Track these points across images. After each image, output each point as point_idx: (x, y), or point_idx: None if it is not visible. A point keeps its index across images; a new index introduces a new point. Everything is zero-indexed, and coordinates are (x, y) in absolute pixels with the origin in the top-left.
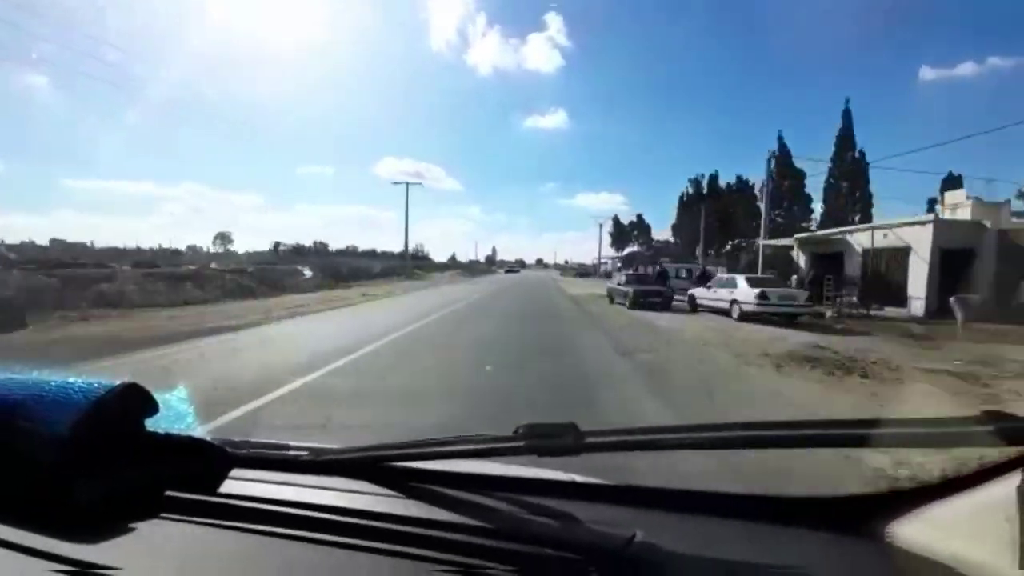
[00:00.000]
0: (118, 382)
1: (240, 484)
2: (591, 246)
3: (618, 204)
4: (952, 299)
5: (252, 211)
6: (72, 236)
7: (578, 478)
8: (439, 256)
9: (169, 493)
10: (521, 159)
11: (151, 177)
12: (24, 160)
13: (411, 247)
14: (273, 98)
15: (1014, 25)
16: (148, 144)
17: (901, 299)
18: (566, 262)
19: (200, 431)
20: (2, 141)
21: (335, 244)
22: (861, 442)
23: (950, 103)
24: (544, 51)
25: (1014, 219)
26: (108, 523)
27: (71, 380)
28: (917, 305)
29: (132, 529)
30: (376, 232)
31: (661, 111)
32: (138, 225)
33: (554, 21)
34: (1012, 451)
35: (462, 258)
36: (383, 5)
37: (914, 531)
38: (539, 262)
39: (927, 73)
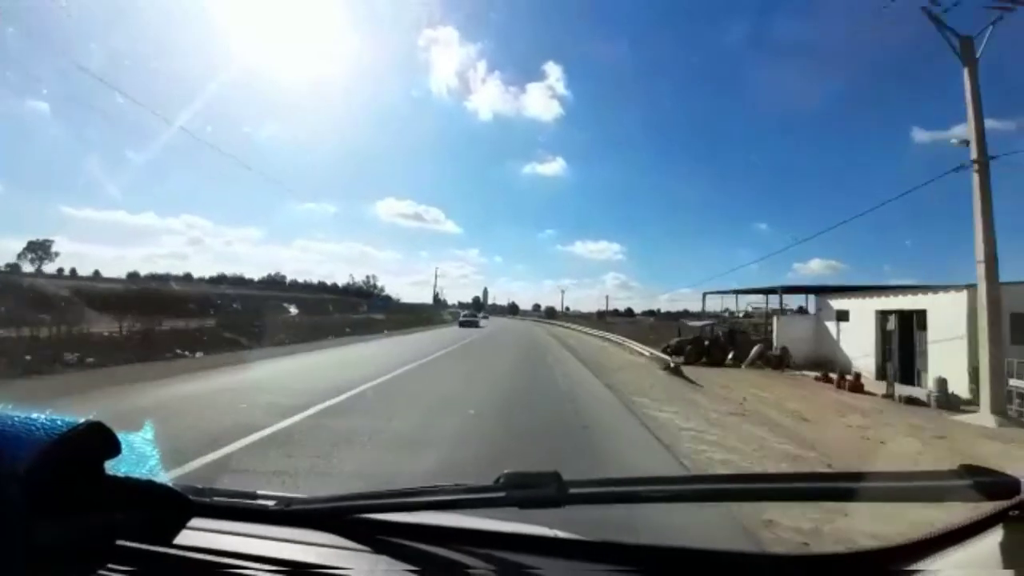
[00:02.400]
0: (82, 420)
1: (200, 535)
2: (586, 294)
3: (615, 253)
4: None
5: (250, 244)
6: (66, 264)
7: (560, 533)
8: (417, 297)
9: (120, 542)
10: (519, 205)
11: (151, 209)
12: (19, 185)
13: (360, 279)
14: (275, 137)
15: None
16: (148, 177)
17: None
18: (567, 309)
19: (163, 476)
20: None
21: (338, 280)
22: (845, 496)
23: (944, 166)
24: (543, 100)
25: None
26: (50, 572)
27: (34, 416)
28: None
29: None
30: (374, 270)
31: (658, 164)
32: (134, 254)
33: (553, 71)
34: (992, 506)
35: (452, 300)
36: (386, 49)
37: None
38: (537, 308)
39: (920, 135)
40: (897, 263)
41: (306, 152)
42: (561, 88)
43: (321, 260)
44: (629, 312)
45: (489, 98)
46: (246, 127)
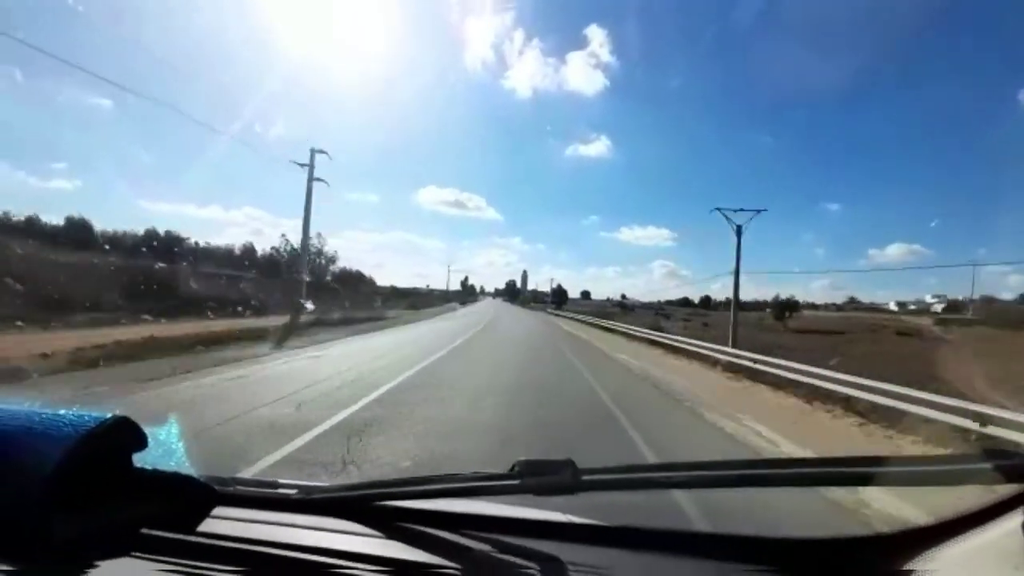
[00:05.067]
0: (108, 415)
1: (223, 523)
2: (631, 283)
3: (665, 239)
4: None
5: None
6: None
7: (575, 518)
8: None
9: (145, 531)
10: (561, 190)
11: (216, 202)
12: (99, 179)
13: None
14: (318, 127)
15: None
16: (213, 172)
17: None
18: (623, 298)
19: (188, 468)
20: (79, 158)
21: (380, 271)
22: (863, 480)
23: None
24: (585, 71)
25: None
26: (74, 561)
27: (62, 412)
28: None
29: (96, 567)
30: (420, 259)
31: (713, 139)
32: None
33: (596, 35)
34: (1014, 488)
35: (490, 288)
36: (419, 27)
37: (920, 572)
38: (587, 296)
39: None
40: (995, 247)
41: (350, 142)
42: (605, 54)
43: (369, 249)
44: (704, 302)
45: (527, 72)
46: (293, 119)
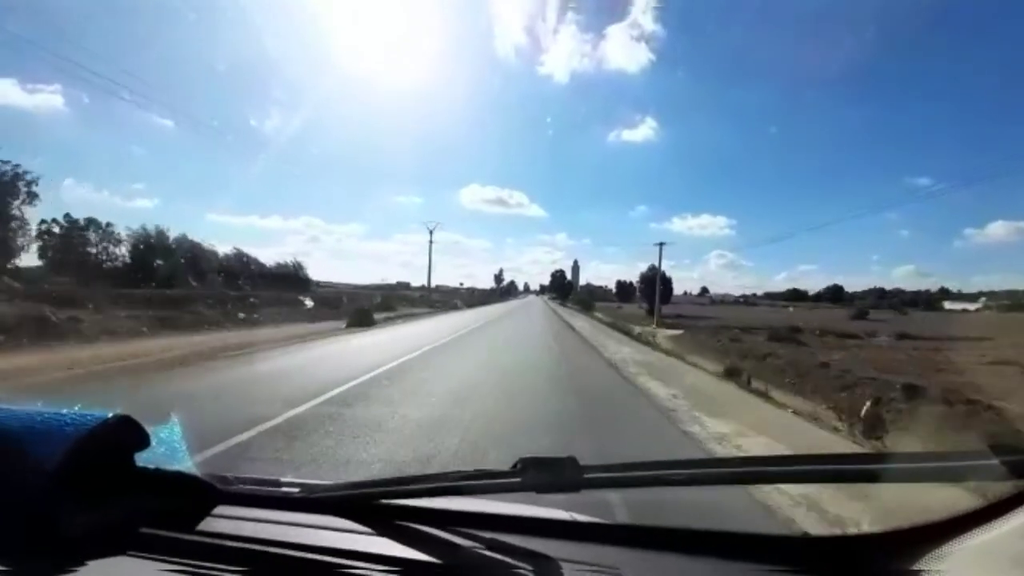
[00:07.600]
0: (110, 414)
1: (224, 522)
2: (685, 275)
3: (722, 228)
4: None
5: (357, 240)
6: None
7: (578, 516)
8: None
9: (144, 530)
10: (606, 180)
11: (277, 212)
12: (173, 197)
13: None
14: (364, 131)
15: None
16: (271, 184)
17: None
18: (704, 290)
19: (191, 466)
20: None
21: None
22: (869, 477)
23: None
24: (626, 44)
25: None
26: (68, 560)
27: (64, 411)
28: None
29: (91, 566)
30: (466, 259)
31: (776, 110)
32: (266, 254)
33: (638, 1)
34: (1022, 484)
35: (535, 285)
36: (454, 19)
37: (928, 571)
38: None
39: None
40: None
41: (392, 146)
42: (649, 23)
43: (418, 252)
44: (836, 292)
45: (564, 54)
46: (338, 127)
